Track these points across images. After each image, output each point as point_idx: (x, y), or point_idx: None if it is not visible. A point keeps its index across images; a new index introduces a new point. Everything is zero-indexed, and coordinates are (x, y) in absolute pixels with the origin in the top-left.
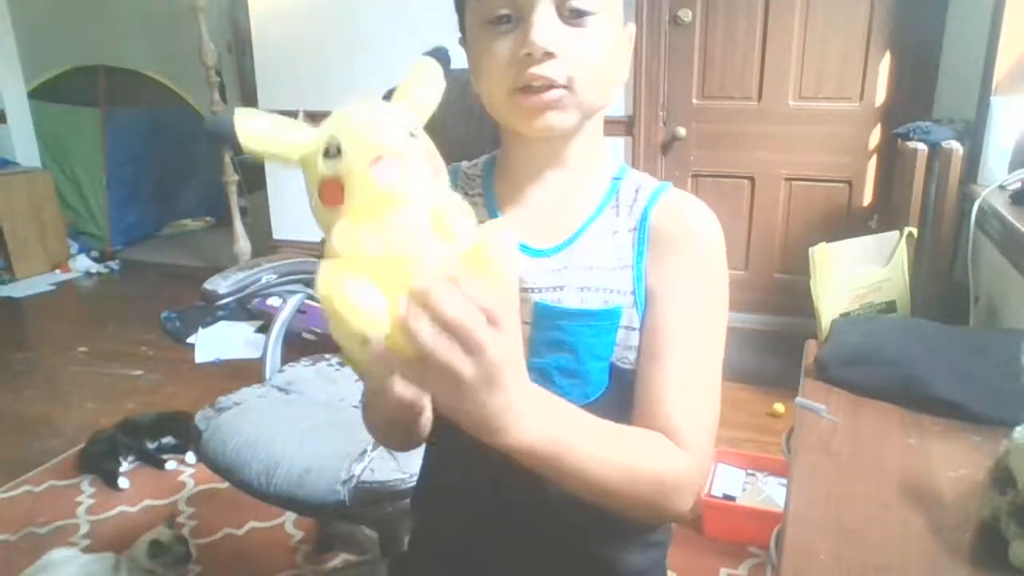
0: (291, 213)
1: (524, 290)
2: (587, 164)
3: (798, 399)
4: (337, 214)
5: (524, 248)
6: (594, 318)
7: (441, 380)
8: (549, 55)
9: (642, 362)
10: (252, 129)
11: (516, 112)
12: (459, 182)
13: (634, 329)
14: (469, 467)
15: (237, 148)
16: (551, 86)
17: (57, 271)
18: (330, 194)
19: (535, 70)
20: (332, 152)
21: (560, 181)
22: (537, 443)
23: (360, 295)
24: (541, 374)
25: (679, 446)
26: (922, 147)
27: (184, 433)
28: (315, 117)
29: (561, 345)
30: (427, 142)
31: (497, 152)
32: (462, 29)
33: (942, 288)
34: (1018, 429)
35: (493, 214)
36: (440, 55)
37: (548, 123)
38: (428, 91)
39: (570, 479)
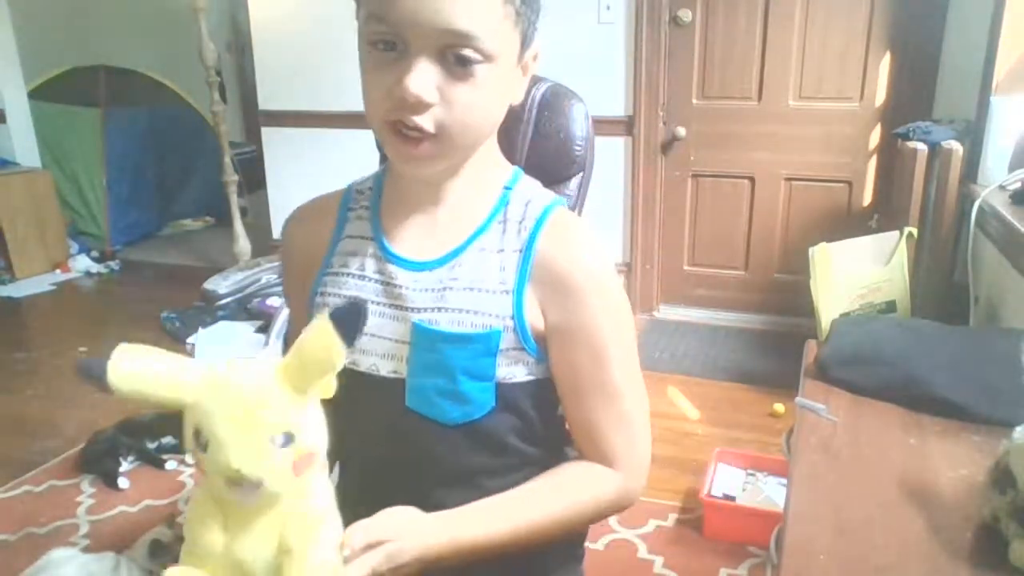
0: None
1: (403, 309)
2: (478, 173)
3: (798, 399)
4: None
5: (405, 262)
6: (470, 341)
7: None
8: (423, 104)
9: (569, 401)
10: (126, 373)
11: (386, 144)
12: (351, 203)
13: (518, 349)
14: (382, 499)
15: (106, 389)
16: (420, 134)
17: (57, 271)
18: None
19: (406, 115)
20: (200, 440)
21: (448, 192)
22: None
23: None
24: (420, 394)
25: (618, 469)
26: (922, 147)
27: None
28: (314, 117)
29: (437, 367)
30: (305, 444)
31: (388, 163)
32: None
33: (942, 288)
34: (1018, 429)
35: (376, 229)
36: (352, 315)
37: (414, 170)
38: (319, 364)
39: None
